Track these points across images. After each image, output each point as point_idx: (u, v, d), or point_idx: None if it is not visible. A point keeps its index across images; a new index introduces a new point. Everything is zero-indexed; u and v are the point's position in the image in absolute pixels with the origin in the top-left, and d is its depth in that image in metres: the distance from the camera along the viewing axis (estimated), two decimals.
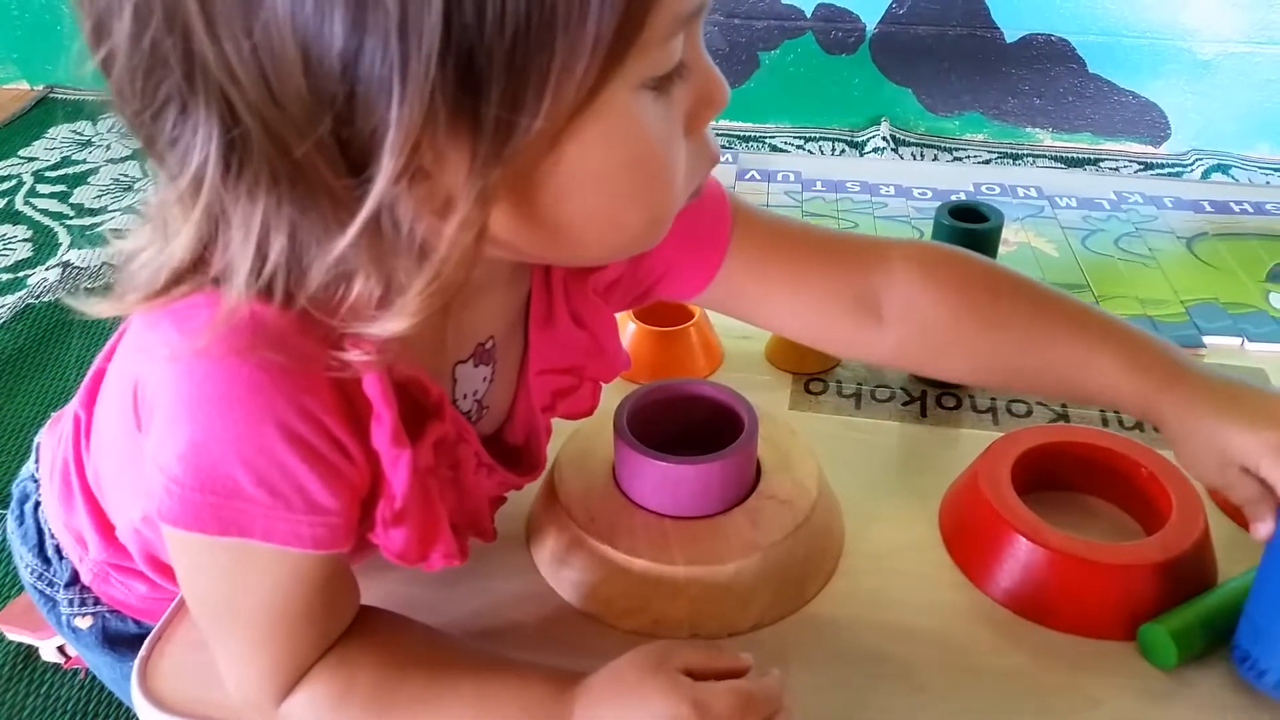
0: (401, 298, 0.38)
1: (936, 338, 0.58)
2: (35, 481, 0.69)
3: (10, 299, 1.75)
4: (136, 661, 0.55)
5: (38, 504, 0.69)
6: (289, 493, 0.42)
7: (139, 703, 0.53)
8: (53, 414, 0.68)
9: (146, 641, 0.56)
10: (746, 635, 0.56)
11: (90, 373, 0.61)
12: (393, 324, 0.39)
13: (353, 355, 0.40)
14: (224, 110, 0.35)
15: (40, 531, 0.69)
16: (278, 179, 0.36)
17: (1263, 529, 0.52)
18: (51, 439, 0.67)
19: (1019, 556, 0.57)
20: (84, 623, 0.69)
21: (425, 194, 0.37)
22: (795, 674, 0.54)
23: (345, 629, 0.50)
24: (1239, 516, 0.64)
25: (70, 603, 0.69)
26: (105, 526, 0.63)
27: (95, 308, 0.41)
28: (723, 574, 0.55)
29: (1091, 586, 0.55)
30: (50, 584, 0.69)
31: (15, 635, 1.12)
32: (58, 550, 0.68)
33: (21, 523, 0.70)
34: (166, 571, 0.60)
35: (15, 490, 0.71)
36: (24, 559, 0.70)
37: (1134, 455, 0.62)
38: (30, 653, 1.15)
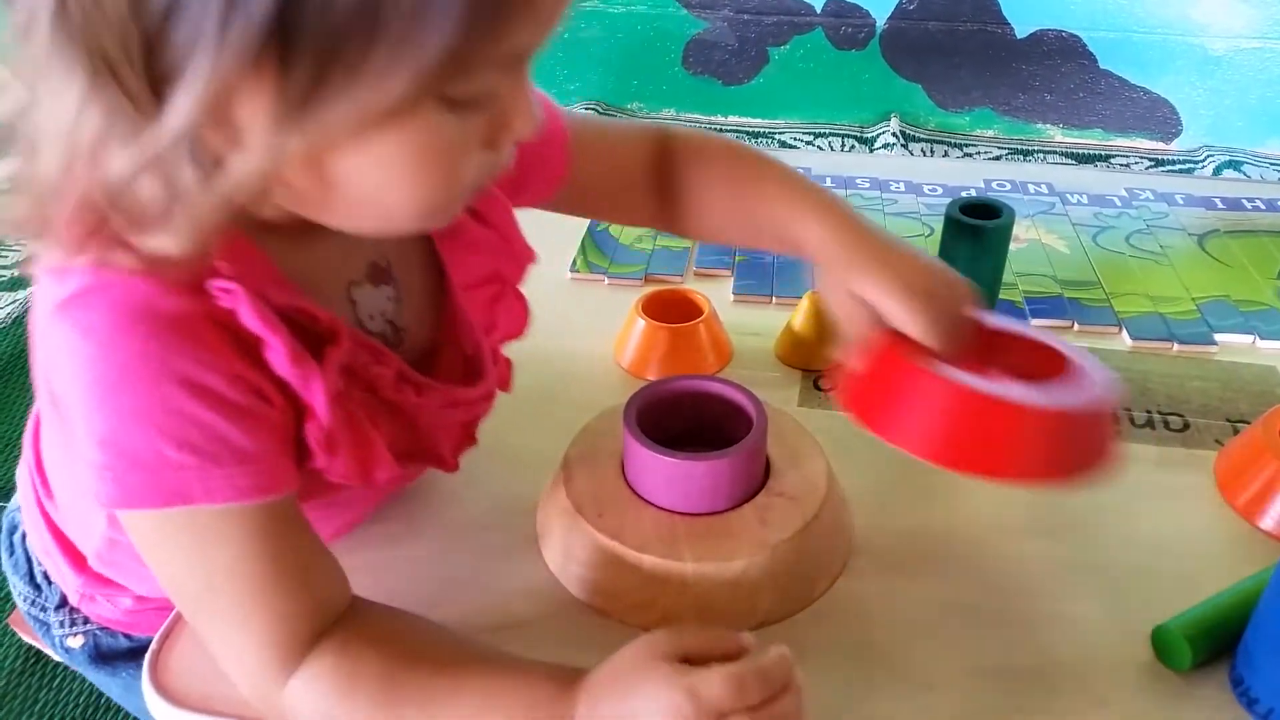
0: (184, 216, 0.40)
1: (715, 212, 0.68)
2: (21, 511, 0.71)
3: (22, 294, 1.76)
4: (147, 656, 0.55)
5: (25, 535, 0.70)
6: (212, 448, 0.44)
7: (150, 697, 0.53)
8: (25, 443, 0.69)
9: (156, 637, 0.56)
10: (754, 632, 0.56)
11: (31, 417, 0.64)
12: (167, 240, 0.40)
13: (160, 245, 0.41)
14: None
15: (29, 559, 0.70)
16: (95, 68, 0.37)
17: (846, 357, 0.59)
18: (26, 469, 0.68)
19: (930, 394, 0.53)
20: (76, 642, 0.71)
21: (221, 127, 0.39)
22: (802, 671, 0.54)
23: (340, 609, 0.50)
24: (1242, 509, 0.63)
25: (61, 624, 0.70)
26: (77, 560, 0.65)
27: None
28: (730, 571, 0.55)
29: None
30: (42, 609, 0.70)
31: (28, 638, 1.12)
32: (45, 576, 0.70)
33: (12, 553, 0.72)
34: None
35: (4, 521, 0.73)
36: (17, 587, 0.72)
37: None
38: (41, 652, 1.16)
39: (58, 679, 1.14)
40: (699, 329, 0.76)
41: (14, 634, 1.17)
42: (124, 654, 0.71)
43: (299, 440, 0.48)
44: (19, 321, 1.68)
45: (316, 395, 0.46)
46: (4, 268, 1.85)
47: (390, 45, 0.36)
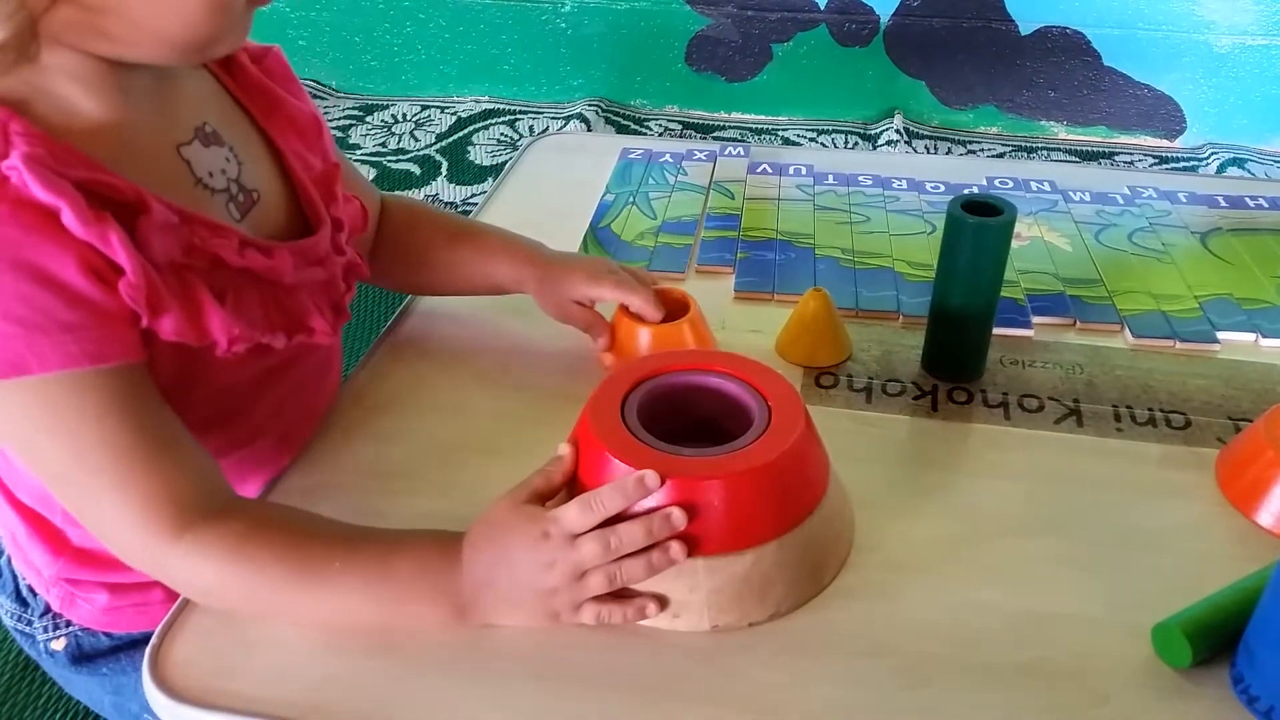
0: None
1: (412, 268, 0.81)
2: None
3: None
4: (148, 650, 0.55)
5: (9, 558, 0.73)
6: (36, 319, 0.48)
7: (151, 693, 0.53)
8: None
9: (157, 632, 0.56)
10: (752, 629, 0.56)
11: None
12: None
13: (7, 170, 0.47)
14: None
15: (15, 578, 0.73)
16: None
17: (601, 341, 0.76)
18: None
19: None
20: (59, 645, 0.72)
21: None
22: (803, 666, 0.54)
23: (224, 496, 0.56)
24: (1243, 506, 0.63)
25: (45, 629, 0.72)
26: (54, 540, 0.67)
27: None
28: (740, 564, 0.55)
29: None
30: (29, 623, 0.73)
31: None
32: (31, 590, 0.72)
33: None
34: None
35: None
36: (4, 606, 0.74)
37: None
38: None
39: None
40: (683, 328, 0.76)
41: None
42: (105, 652, 0.72)
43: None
44: None
45: (118, 252, 0.49)
46: None
47: None
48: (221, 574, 0.54)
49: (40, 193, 0.47)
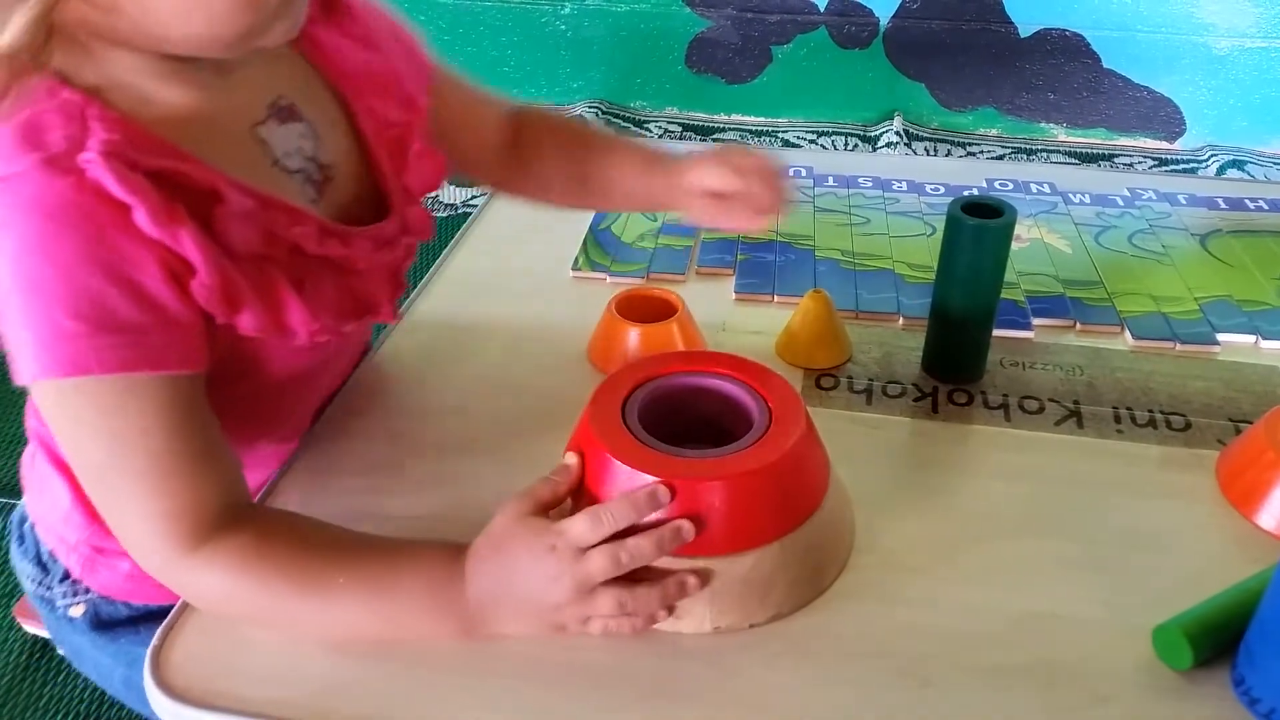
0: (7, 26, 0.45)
1: (558, 177, 0.79)
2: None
3: None
4: (149, 651, 0.55)
5: (34, 524, 0.73)
6: (100, 316, 0.47)
7: (152, 694, 0.53)
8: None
9: (158, 633, 0.56)
10: (753, 630, 0.56)
11: None
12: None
13: (85, 163, 0.46)
14: None
15: (37, 543, 0.73)
16: None
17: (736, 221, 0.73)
18: (30, 448, 0.71)
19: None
20: (77, 611, 0.73)
21: None
22: (804, 667, 0.54)
23: (242, 505, 0.55)
24: (1243, 507, 0.64)
25: (64, 594, 0.72)
26: (79, 493, 0.65)
27: None
28: (741, 565, 0.55)
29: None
30: (48, 587, 0.73)
31: (31, 628, 1.13)
32: (51, 555, 0.72)
33: (21, 542, 0.74)
34: None
35: (14, 516, 0.75)
36: (25, 571, 0.74)
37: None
38: (46, 644, 1.16)
39: (62, 674, 1.15)
40: (671, 328, 0.76)
41: (19, 630, 1.17)
42: (124, 621, 0.73)
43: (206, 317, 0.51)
44: None
45: (190, 250, 0.49)
46: None
47: None
48: (229, 589, 0.54)
49: (115, 188, 0.47)
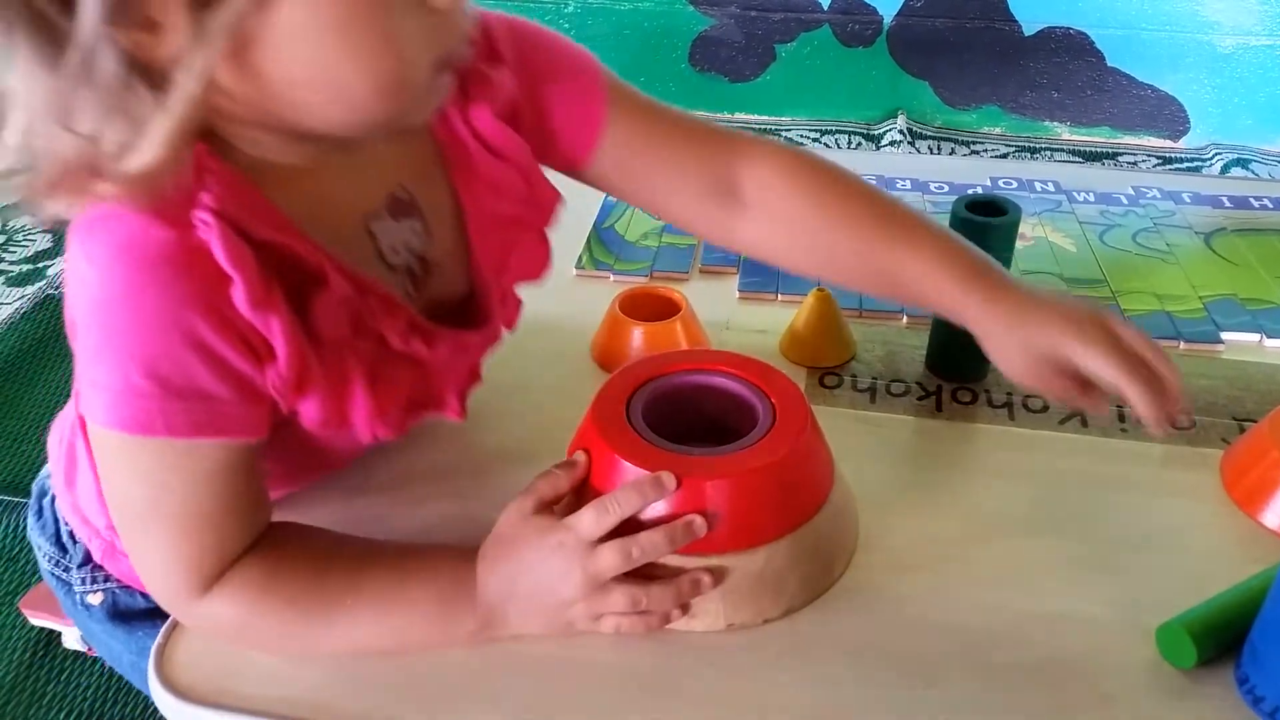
0: (145, 139, 0.41)
1: (794, 234, 0.63)
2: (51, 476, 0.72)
3: (30, 290, 1.77)
4: (153, 649, 0.55)
5: (54, 498, 0.72)
6: (178, 382, 0.46)
7: (157, 692, 0.54)
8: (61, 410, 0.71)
9: (163, 630, 0.56)
10: (755, 630, 0.56)
11: None
12: (139, 157, 0.41)
13: (199, 220, 0.44)
14: None
15: (56, 521, 0.72)
16: (26, 23, 0.39)
17: (1100, 408, 0.59)
18: (59, 426, 0.70)
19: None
20: (95, 599, 0.72)
21: (141, 37, 0.40)
22: (806, 668, 0.54)
23: (264, 526, 0.54)
24: (1247, 507, 0.63)
25: (83, 580, 0.72)
26: None
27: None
28: (754, 561, 0.55)
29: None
30: (65, 569, 0.72)
31: (39, 620, 1.13)
32: (71, 536, 0.71)
33: (40, 516, 0.73)
34: None
35: (35, 487, 0.75)
36: (43, 549, 0.73)
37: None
38: (51, 640, 1.16)
39: (66, 671, 1.15)
40: (675, 326, 0.76)
41: (22, 628, 1.18)
42: (141, 613, 0.72)
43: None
44: (26, 317, 1.69)
45: (276, 338, 0.47)
46: (11, 263, 1.86)
47: None
48: (239, 626, 0.54)
49: (221, 256, 0.45)
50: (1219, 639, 0.54)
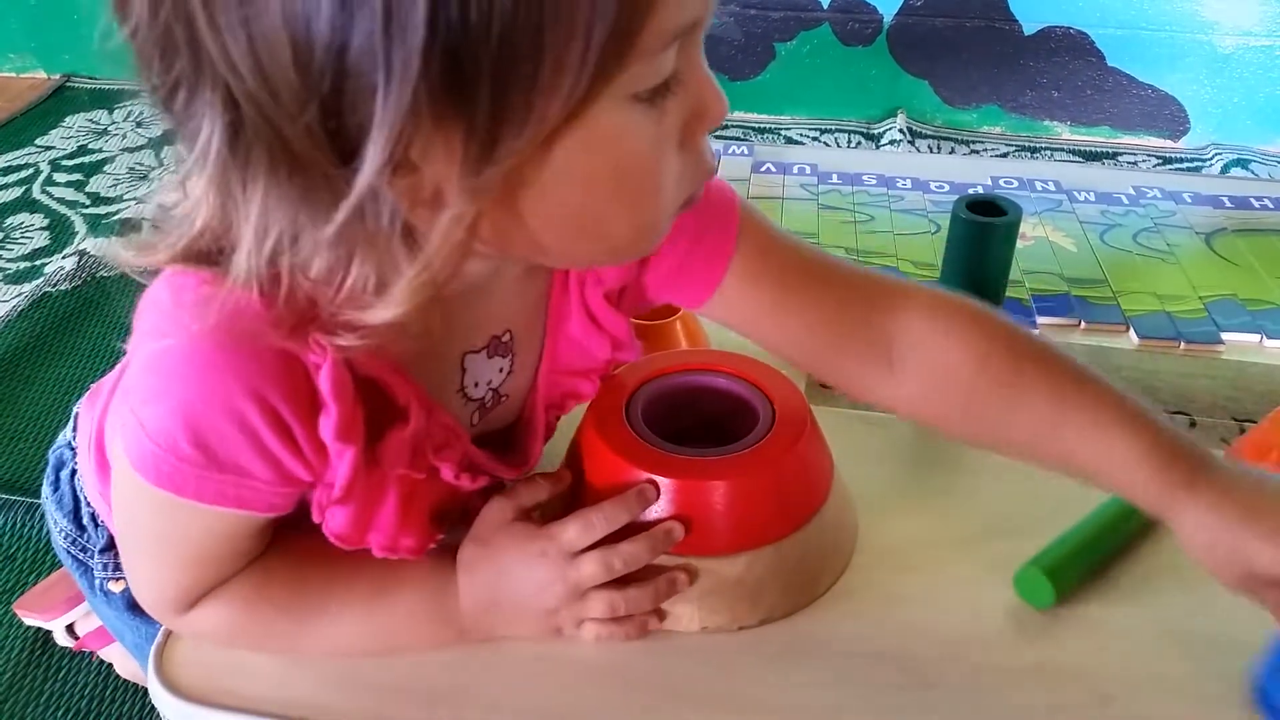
0: (394, 287, 0.39)
1: (950, 399, 0.55)
2: (72, 450, 0.71)
3: (28, 287, 1.76)
4: (152, 649, 0.55)
5: (74, 471, 0.71)
6: (222, 459, 0.45)
7: (156, 692, 0.53)
8: (92, 385, 0.69)
9: (162, 630, 0.56)
10: (756, 629, 0.56)
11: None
12: (383, 312, 0.40)
13: (315, 343, 0.42)
14: (226, 95, 0.36)
15: (76, 499, 0.71)
16: (276, 164, 0.37)
17: None
18: (90, 410, 0.68)
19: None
20: (116, 587, 0.72)
21: (414, 186, 0.38)
22: (804, 668, 0.54)
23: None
24: None
25: (104, 567, 0.71)
26: None
27: (126, 256, 0.43)
28: (734, 567, 0.55)
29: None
30: (84, 550, 0.71)
31: (29, 619, 1.13)
32: (93, 518, 0.70)
33: (57, 488, 0.72)
34: None
35: (51, 457, 0.73)
36: (58, 524, 0.72)
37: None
38: (47, 638, 1.16)
39: (64, 670, 1.15)
40: (675, 326, 0.76)
41: (19, 627, 1.17)
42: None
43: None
44: (24, 315, 1.69)
45: (343, 470, 0.46)
46: (9, 260, 1.85)
47: (556, 46, 0.35)
48: (226, 632, 0.54)
49: (324, 385, 0.43)
50: (1074, 576, 0.56)
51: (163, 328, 0.44)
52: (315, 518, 0.50)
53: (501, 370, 0.55)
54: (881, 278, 0.59)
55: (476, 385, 0.54)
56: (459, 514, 0.56)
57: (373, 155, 0.36)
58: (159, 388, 0.44)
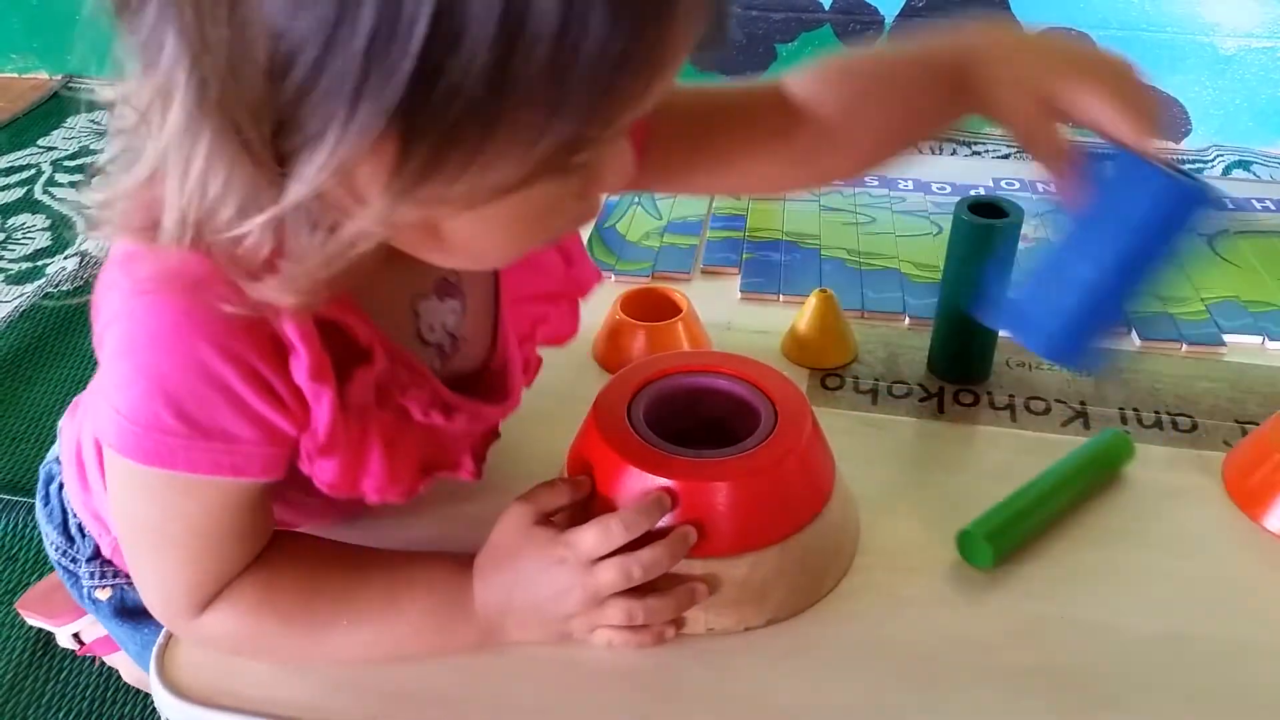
0: (295, 267, 0.41)
1: (843, 131, 0.58)
2: (59, 464, 0.72)
3: (29, 288, 1.76)
4: (154, 651, 0.55)
5: (61, 485, 0.72)
6: (206, 424, 0.45)
7: (157, 692, 0.53)
8: (73, 400, 0.70)
9: (163, 631, 0.56)
10: (762, 629, 0.56)
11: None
12: (276, 294, 0.41)
13: (269, 295, 0.42)
14: (198, 79, 0.36)
15: (64, 511, 0.72)
16: (224, 134, 0.37)
17: (1065, 185, 0.54)
18: (71, 424, 0.69)
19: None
20: (103, 594, 0.72)
21: (343, 190, 0.39)
22: (808, 669, 0.54)
23: (265, 545, 0.54)
24: (1250, 510, 0.63)
25: (91, 575, 0.72)
26: None
27: (89, 243, 0.44)
28: (739, 568, 0.55)
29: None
30: (73, 560, 0.72)
31: (33, 620, 1.13)
32: (80, 529, 0.71)
33: (47, 503, 0.73)
34: None
35: (42, 472, 0.74)
36: (49, 537, 0.74)
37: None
38: (49, 639, 1.16)
39: (65, 671, 1.15)
40: (676, 327, 0.76)
41: (21, 627, 1.17)
42: (148, 610, 0.72)
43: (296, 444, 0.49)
44: (25, 315, 1.69)
45: (322, 412, 0.47)
46: (10, 261, 1.85)
47: (509, 134, 0.37)
48: (235, 641, 0.54)
49: (288, 329, 0.44)
50: (1012, 540, 0.60)
51: (128, 306, 0.45)
52: (304, 469, 0.50)
53: (454, 312, 0.56)
54: (757, 86, 0.60)
55: (432, 330, 0.55)
56: (451, 464, 0.57)
57: (311, 172, 0.37)
58: (129, 370, 0.45)
